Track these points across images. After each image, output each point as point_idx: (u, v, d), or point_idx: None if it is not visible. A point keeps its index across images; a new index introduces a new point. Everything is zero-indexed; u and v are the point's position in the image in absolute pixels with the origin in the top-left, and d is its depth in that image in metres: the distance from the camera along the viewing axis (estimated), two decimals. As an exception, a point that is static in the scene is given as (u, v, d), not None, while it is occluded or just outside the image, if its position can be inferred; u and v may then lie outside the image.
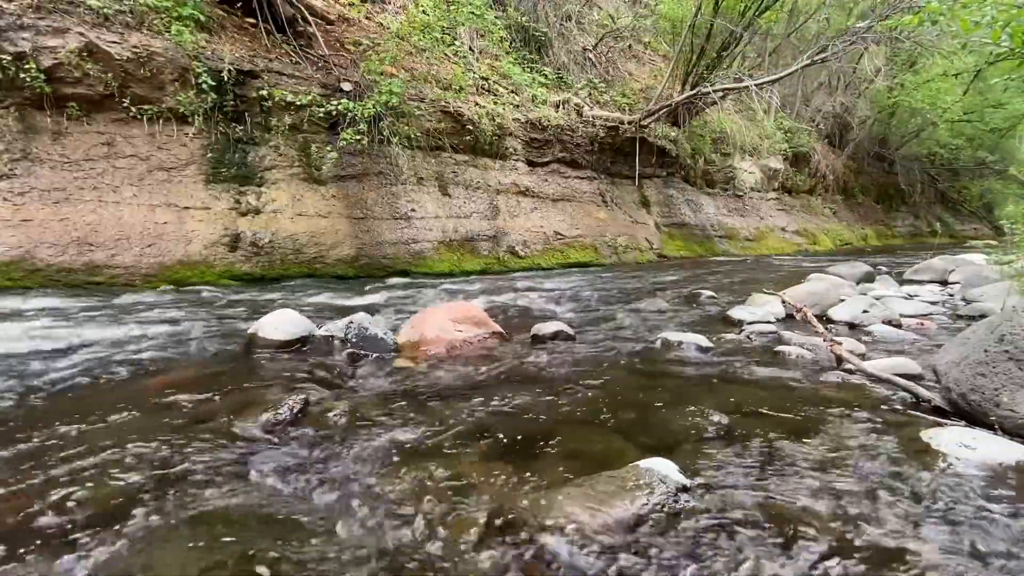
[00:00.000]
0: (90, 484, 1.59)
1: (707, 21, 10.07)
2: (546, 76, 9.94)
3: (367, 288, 5.61)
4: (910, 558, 1.31)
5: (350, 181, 6.57)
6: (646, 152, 10.23)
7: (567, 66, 10.72)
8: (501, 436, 2.01)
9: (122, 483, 1.60)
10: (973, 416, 2.08)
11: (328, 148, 6.21)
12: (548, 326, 3.60)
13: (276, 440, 1.94)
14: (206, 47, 5.59)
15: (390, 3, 8.47)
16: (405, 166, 7.03)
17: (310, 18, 6.67)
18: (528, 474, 1.71)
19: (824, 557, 1.31)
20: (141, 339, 3.29)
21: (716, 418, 2.13)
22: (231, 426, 2.01)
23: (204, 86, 5.34)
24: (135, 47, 5.13)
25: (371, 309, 4.30)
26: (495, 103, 8.28)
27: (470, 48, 8.98)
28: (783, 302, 4.50)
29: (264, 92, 5.82)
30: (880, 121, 17.93)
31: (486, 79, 8.61)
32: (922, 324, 4.15)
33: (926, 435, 1.97)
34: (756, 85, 9.63)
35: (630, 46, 13.18)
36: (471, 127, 7.70)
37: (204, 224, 5.45)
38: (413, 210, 7.02)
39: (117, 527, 1.39)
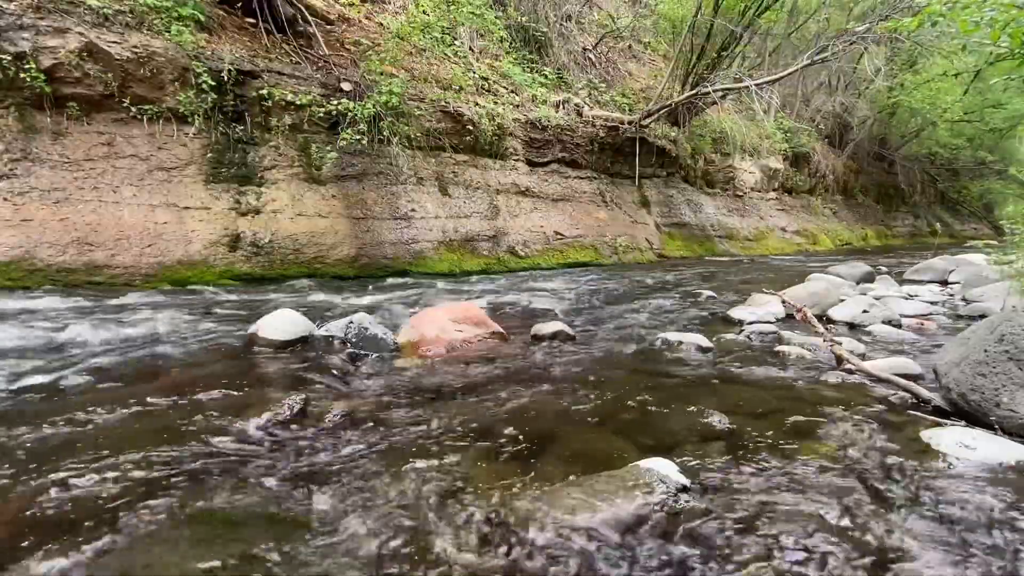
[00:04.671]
0: (89, 484, 1.59)
1: (707, 21, 10.06)
2: (546, 76, 9.94)
3: (367, 288, 5.61)
4: (910, 558, 1.31)
5: (350, 181, 6.57)
6: (646, 152, 10.23)
7: (567, 66, 10.72)
8: (501, 436, 2.01)
9: (121, 483, 1.60)
10: (973, 416, 2.08)
11: (328, 148, 6.21)
12: (548, 326, 3.60)
13: (276, 440, 1.94)
14: (206, 47, 5.59)
15: (390, 3, 8.47)
16: (405, 166, 7.03)
17: (310, 18, 6.67)
18: (528, 474, 1.71)
19: (824, 557, 1.31)
20: (141, 339, 3.28)
21: (716, 418, 2.13)
22: (231, 426, 2.01)
23: (204, 86, 5.34)
24: (135, 47, 5.12)
25: (371, 309, 4.30)
26: (495, 103, 8.28)
27: (470, 48, 8.98)
28: (783, 302, 4.50)
29: (264, 92, 5.81)
30: (880, 121, 17.93)
31: (486, 79, 8.61)
32: (922, 324, 4.15)
33: (926, 435, 1.97)
34: (756, 85, 9.62)
35: (630, 46, 13.18)
36: (471, 127, 7.70)
37: (204, 224, 5.44)
38: (413, 210, 7.02)
39: (117, 527, 1.39)
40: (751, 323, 3.98)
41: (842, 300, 4.58)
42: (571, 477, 1.65)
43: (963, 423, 2.08)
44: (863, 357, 3.01)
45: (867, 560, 1.30)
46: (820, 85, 17.13)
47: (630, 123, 9.76)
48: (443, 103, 7.42)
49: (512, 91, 8.92)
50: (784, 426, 2.09)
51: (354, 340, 3.18)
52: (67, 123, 4.98)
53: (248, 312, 4.16)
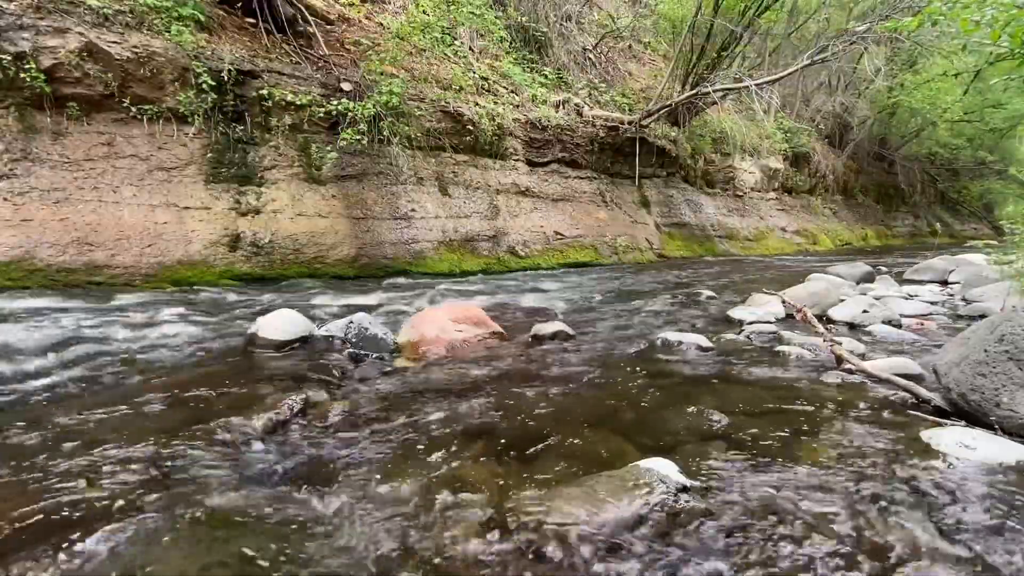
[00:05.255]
0: (89, 484, 1.59)
1: (707, 21, 10.07)
2: (546, 76, 9.94)
3: (367, 288, 5.61)
4: (910, 559, 1.31)
5: (350, 181, 6.57)
6: (646, 152, 10.24)
7: (567, 66, 10.72)
8: (501, 436, 2.01)
9: (121, 483, 1.60)
10: (973, 416, 2.08)
11: (328, 148, 6.21)
12: (548, 326, 3.60)
13: (276, 440, 1.94)
14: (206, 47, 5.59)
15: (390, 3, 8.47)
16: (405, 166, 7.03)
17: (310, 18, 6.67)
18: (528, 474, 1.71)
19: (824, 557, 1.31)
20: (141, 339, 3.28)
21: (716, 418, 2.13)
22: (231, 426, 2.01)
23: (204, 86, 5.34)
24: (135, 47, 5.12)
25: (371, 309, 4.30)
26: (495, 103, 8.28)
27: (470, 48, 8.98)
28: (783, 302, 4.50)
29: (264, 92, 5.81)
30: (880, 121, 17.93)
31: (486, 79, 8.61)
32: (922, 324, 4.15)
33: (926, 435, 1.97)
34: (756, 85, 9.62)
35: (630, 46, 13.19)
36: (471, 127, 7.70)
37: (204, 224, 5.44)
38: (413, 210, 7.02)
39: (116, 527, 1.39)
40: (751, 323, 3.97)
41: (842, 300, 4.58)
42: (571, 477, 1.65)
43: (963, 423, 2.08)
44: (863, 357, 3.01)
45: (867, 561, 1.30)
46: (820, 85, 17.14)
47: (630, 123, 9.76)
48: (443, 103, 7.42)
49: (512, 91, 8.92)
50: (784, 426, 2.09)
51: (354, 340, 3.18)
52: (67, 123, 4.97)
53: (248, 312, 4.16)
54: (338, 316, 3.69)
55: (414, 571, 1.28)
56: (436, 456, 1.84)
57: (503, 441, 1.97)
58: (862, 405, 2.32)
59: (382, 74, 6.68)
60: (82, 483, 1.59)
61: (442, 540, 1.38)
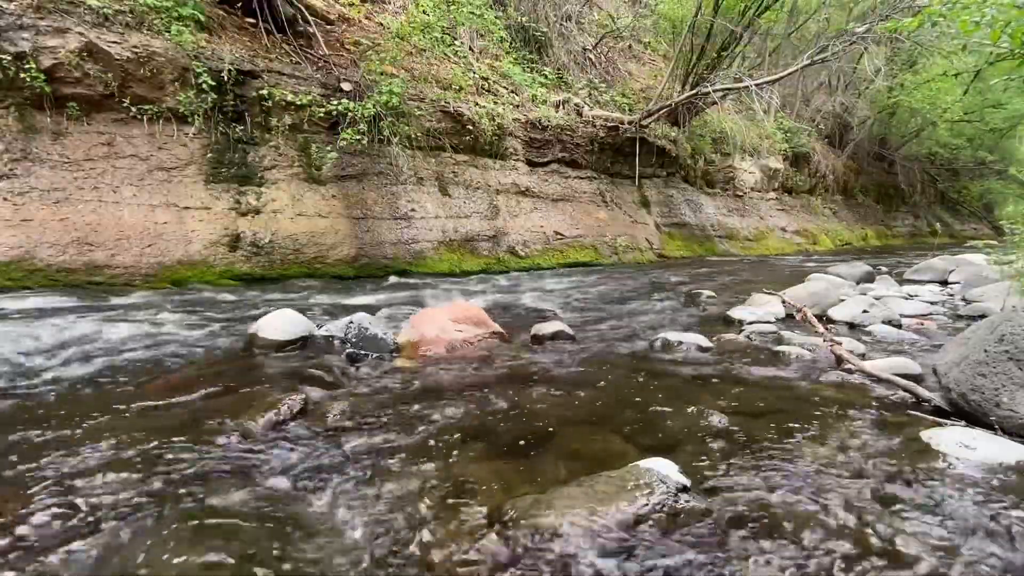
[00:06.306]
0: (89, 484, 1.59)
1: (707, 21, 10.07)
2: (546, 76, 9.94)
3: (367, 288, 5.61)
4: (909, 558, 1.31)
5: (350, 181, 6.57)
6: (646, 152, 10.23)
7: (567, 66, 10.72)
8: (501, 436, 2.01)
9: (121, 483, 1.60)
10: (973, 416, 2.08)
11: (328, 148, 6.21)
12: (548, 326, 3.60)
13: (276, 440, 1.94)
14: (206, 47, 5.59)
15: (390, 3, 8.47)
16: (405, 166, 7.03)
17: (310, 18, 6.66)
18: (528, 474, 1.71)
19: (823, 557, 1.31)
20: (141, 339, 3.28)
21: (716, 418, 2.13)
22: (231, 426, 2.01)
23: (204, 86, 5.33)
24: (135, 47, 5.12)
25: (371, 309, 4.30)
26: (495, 103, 8.28)
27: (470, 48, 8.98)
28: (783, 302, 4.50)
29: (264, 92, 5.81)
30: (880, 121, 17.92)
31: (486, 79, 8.61)
32: (922, 324, 4.15)
33: (926, 435, 1.97)
34: (756, 85, 9.62)
35: (630, 46, 13.19)
36: (471, 127, 7.70)
37: (204, 224, 5.44)
38: (413, 210, 7.02)
39: (117, 527, 1.39)
40: (751, 323, 3.98)
41: (842, 300, 4.58)
42: (571, 477, 1.65)
43: (963, 423, 2.08)
44: (863, 357, 3.01)
45: (867, 560, 1.30)
46: (820, 85, 17.14)
47: (630, 123, 9.75)
48: (443, 103, 7.42)
49: (512, 91, 8.92)
50: (784, 426, 2.09)
51: (354, 340, 3.18)
52: (67, 123, 4.97)
53: (248, 312, 4.16)
54: (338, 316, 3.68)
55: (413, 571, 1.28)
56: (436, 456, 1.84)
57: (503, 441, 1.97)
58: (862, 405, 2.32)
59: (382, 74, 6.68)
60: (82, 483, 1.60)
61: (442, 540, 1.38)
